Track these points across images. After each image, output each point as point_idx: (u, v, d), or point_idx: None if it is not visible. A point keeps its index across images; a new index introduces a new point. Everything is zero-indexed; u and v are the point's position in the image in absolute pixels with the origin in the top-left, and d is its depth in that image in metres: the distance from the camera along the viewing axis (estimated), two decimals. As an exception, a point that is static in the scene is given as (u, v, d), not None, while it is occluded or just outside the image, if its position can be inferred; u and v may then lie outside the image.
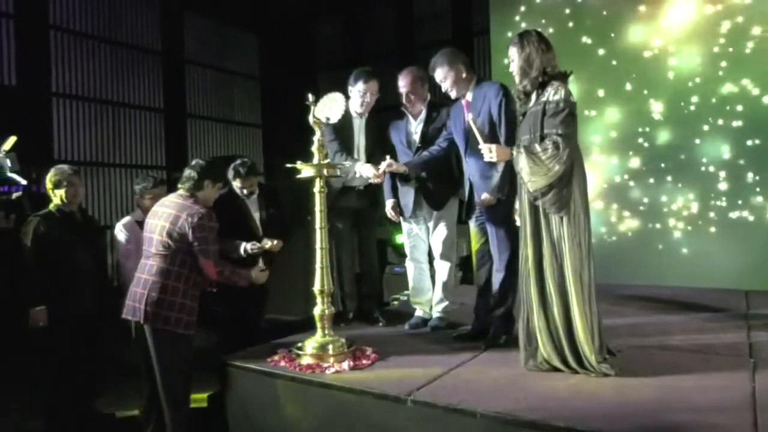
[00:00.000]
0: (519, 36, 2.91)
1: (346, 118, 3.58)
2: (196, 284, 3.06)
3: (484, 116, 3.30)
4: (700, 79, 5.30)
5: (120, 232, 3.86)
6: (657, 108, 5.50)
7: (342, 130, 3.87)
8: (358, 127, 3.98)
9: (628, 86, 5.63)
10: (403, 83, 3.79)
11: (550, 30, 5.66)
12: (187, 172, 3.13)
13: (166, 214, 3.01)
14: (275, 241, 3.67)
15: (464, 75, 3.38)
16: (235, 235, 3.60)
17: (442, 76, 3.38)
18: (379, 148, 3.91)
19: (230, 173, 3.77)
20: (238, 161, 3.83)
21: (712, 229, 5.22)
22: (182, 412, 3.00)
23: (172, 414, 2.97)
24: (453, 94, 3.43)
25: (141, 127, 7.23)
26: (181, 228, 2.95)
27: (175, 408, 2.97)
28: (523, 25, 6.00)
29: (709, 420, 2.23)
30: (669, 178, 5.43)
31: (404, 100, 3.82)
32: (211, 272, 3.05)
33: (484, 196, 3.31)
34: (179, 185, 3.15)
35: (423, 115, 3.81)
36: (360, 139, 4.00)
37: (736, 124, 5.14)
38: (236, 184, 3.78)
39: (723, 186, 5.18)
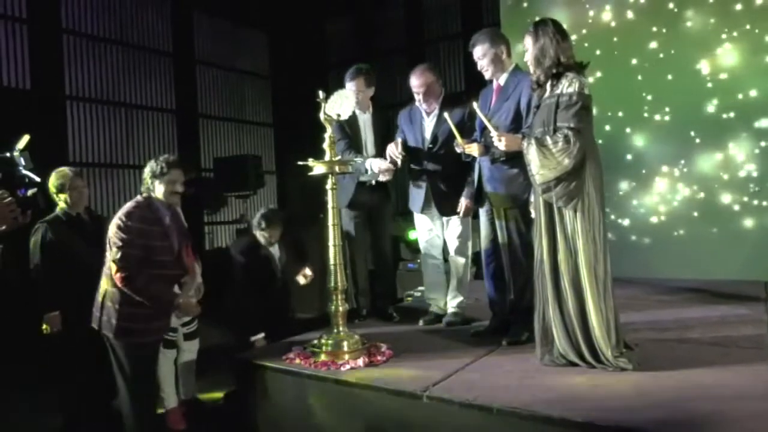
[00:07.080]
0: (534, 25, 2.86)
1: (352, 116, 3.59)
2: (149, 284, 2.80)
3: (512, 102, 3.26)
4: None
5: None
6: (668, 99, 5.41)
7: (349, 128, 3.90)
8: (364, 123, 4.00)
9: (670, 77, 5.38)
10: (416, 83, 3.73)
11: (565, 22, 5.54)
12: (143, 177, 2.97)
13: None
14: (305, 272, 4.12)
15: (503, 57, 3.33)
16: (258, 282, 3.94)
17: (481, 54, 3.33)
18: (387, 144, 3.90)
19: (256, 222, 4.02)
20: (264, 210, 4.05)
21: (731, 220, 5.13)
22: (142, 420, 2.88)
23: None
24: (487, 75, 3.38)
25: (153, 128, 7.27)
26: (111, 229, 2.81)
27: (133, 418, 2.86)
28: (535, 16, 5.90)
29: (729, 413, 2.19)
30: (686, 170, 5.34)
31: (418, 99, 3.79)
32: (116, 277, 2.73)
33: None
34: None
35: (436, 113, 3.77)
36: (367, 135, 4.01)
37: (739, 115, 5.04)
38: (263, 234, 4.01)
39: (742, 174, 5.09)
